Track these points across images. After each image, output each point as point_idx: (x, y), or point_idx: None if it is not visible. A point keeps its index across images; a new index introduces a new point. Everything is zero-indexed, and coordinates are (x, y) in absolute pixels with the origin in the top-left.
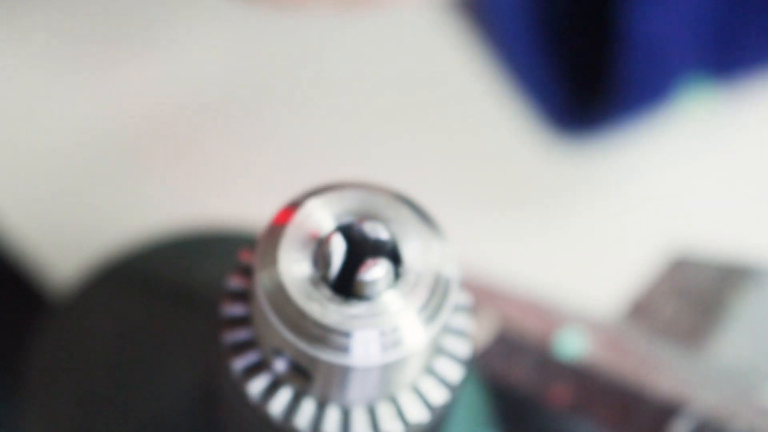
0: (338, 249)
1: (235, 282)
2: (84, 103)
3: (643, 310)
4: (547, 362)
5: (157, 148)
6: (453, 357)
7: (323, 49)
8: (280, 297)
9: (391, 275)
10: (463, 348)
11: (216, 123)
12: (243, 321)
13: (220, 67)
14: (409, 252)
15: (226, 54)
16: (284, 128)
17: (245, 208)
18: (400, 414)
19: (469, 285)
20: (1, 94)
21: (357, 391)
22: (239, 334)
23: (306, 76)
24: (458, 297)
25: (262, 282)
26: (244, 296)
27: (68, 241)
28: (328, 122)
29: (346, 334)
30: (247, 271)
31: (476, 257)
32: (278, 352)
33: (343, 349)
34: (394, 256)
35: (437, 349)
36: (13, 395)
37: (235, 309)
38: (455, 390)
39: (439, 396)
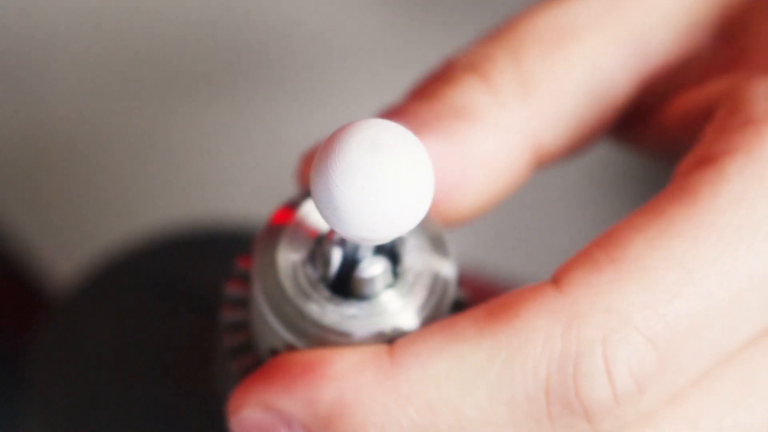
0: (337, 249)
1: (232, 289)
2: (87, 104)
3: None
4: None
5: (156, 149)
6: None
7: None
8: (279, 297)
9: (389, 274)
10: None
11: (215, 123)
12: (241, 325)
13: (220, 65)
14: (407, 252)
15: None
16: (284, 127)
17: (245, 208)
18: None
19: (468, 284)
20: (2, 95)
21: None
22: (237, 338)
23: (309, 75)
24: (457, 296)
25: (260, 283)
26: (242, 303)
27: (68, 240)
28: (327, 120)
29: (345, 334)
30: (244, 277)
31: None
32: (275, 353)
33: None
34: (392, 256)
35: None
36: (13, 395)
37: (233, 315)
38: None
39: None
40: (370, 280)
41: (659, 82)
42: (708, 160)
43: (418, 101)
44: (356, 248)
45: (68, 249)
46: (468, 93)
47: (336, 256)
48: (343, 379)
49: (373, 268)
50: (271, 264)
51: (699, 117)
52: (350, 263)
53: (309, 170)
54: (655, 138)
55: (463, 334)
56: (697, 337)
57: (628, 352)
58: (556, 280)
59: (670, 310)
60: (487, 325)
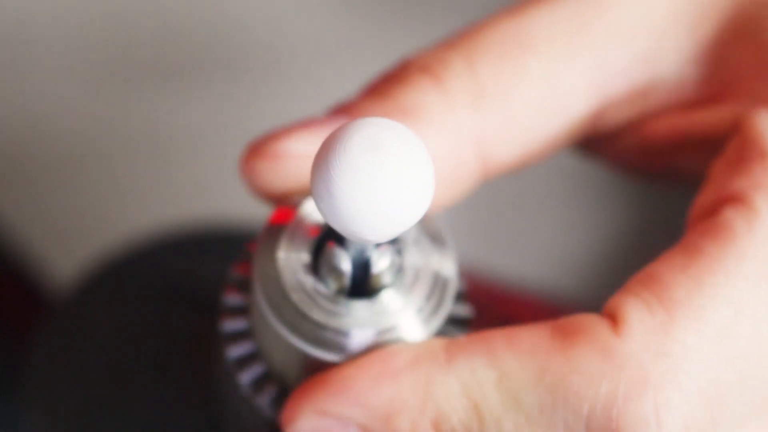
0: (345, 259)
1: (237, 274)
2: (88, 105)
3: None
4: None
5: (157, 149)
6: None
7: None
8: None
9: (394, 267)
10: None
11: (215, 123)
12: (240, 311)
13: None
14: (407, 250)
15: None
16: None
17: (245, 208)
18: None
19: (468, 284)
20: None
21: None
22: (237, 324)
23: (304, 74)
24: (457, 296)
25: (260, 284)
26: (243, 287)
27: (68, 240)
28: None
29: (344, 334)
30: (241, 284)
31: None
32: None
33: (341, 348)
34: (393, 243)
35: None
36: (13, 394)
37: (233, 299)
38: None
39: None
40: (386, 271)
41: (624, 101)
42: (736, 197)
43: (368, 99)
44: (361, 251)
45: (68, 249)
46: (419, 94)
47: (346, 266)
48: (401, 376)
49: (385, 259)
50: (272, 267)
51: (696, 144)
52: (359, 266)
53: (252, 162)
54: (626, 154)
55: (518, 348)
56: (748, 380)
57: (681, 401)
58: (611, 317)
59: (722, 354)
60: (542, 345)
